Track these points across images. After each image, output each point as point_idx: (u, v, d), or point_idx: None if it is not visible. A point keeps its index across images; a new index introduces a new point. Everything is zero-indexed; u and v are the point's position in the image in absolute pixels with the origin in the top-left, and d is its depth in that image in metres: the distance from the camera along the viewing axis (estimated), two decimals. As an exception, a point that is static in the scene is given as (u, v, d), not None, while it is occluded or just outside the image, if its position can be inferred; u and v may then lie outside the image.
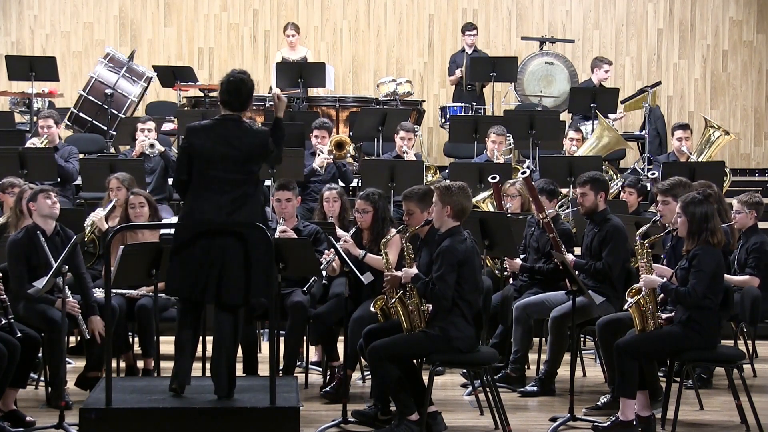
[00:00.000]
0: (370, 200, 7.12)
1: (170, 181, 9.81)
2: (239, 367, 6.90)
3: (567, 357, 6.98)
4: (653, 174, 9.57)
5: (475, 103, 12.64)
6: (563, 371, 7.08)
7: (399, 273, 6.27)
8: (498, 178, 8.15)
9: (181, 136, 10.12)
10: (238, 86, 5.74)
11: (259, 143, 5.74)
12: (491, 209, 8.85)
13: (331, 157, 9.86)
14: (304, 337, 7.39)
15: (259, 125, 10.13)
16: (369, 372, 6.67)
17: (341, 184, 9.61)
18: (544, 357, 7.27)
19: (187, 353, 5.77)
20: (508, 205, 8.26)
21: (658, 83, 13.23)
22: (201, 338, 6.13)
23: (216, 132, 5.69)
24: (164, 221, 8.16)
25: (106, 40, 14.12)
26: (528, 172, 7.84)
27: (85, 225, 7.81)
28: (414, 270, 6.11)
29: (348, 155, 10.01)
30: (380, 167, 9.64)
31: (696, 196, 6.08)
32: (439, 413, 6.17)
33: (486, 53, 13.38)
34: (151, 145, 9.81)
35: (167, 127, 11.60)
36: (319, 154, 9.84)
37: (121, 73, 11.68)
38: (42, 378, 6.95)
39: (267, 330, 8.35)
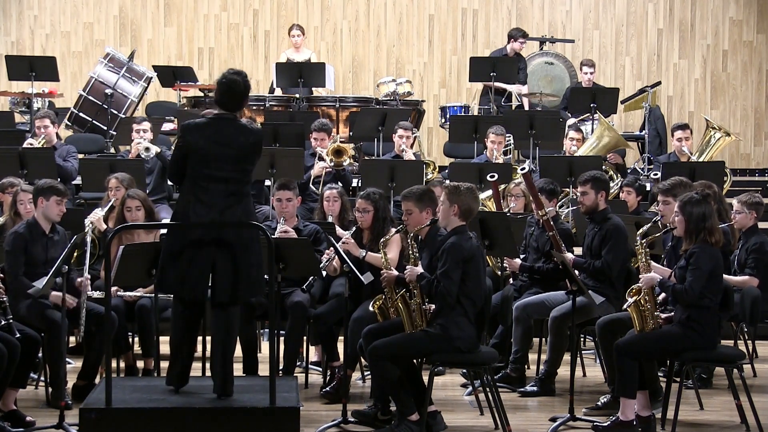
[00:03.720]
0: (371, 200, 7.12)
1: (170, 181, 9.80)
2: (239, 367, 6.92)
3: (567, 357, 6.98)
4: (655, 175, 9.56)
5: (503, 102, 12.57)
6: (563, 371, 7.08)
7: (395, 272, 6.30)
8: (496, 176, 8.14)
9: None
10: (231, 87, 5.71)
11: (253, 142, 5.71)
12: (493, 208, 8.84)
13: (331, 165, 9.84)
14: (304, 337, 7.39)
15: (258, 124, 10.23)
16: (369, 372, 6.67)
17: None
18: (544, 357, 7.27)
19: (183, 356, 5.79)
20: (512, 204, 8.27)
21: (658, 83, 13.23)
22: (201, 338, 6.14)
23: (211, 130, 5.66)
24: (163, 221, 8.15)
25: (106, 40, 14.12)
26: (527, 168, 7.84)
27: (84, 225, 7.81)
28: (419, 269, 6.10)
29: (345, 162, 9.98)
30: (380, 167, 9.64)
31: (694, 196, 6.08)
32: (438, 413, 6.17)
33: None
34: (146, 149, 9.73)
35: (167, 127, 11.59)
36: (318, 160, 9.81)
37: (121, 73, 11.68)
38: (42, 378, 6.95)
39: (267, 330, 8.34)
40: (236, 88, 5.70)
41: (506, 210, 8.27)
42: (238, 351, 7.12)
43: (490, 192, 9.26)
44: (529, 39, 13.96)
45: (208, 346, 6.10)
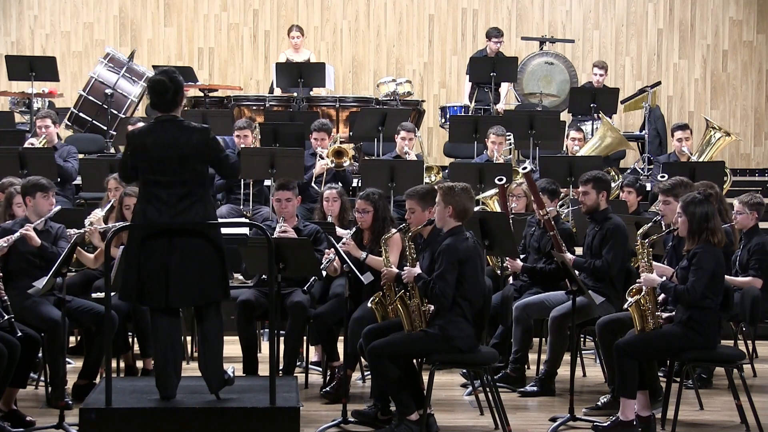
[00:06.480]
0: (371, 200, 7.12)
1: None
2: (239, 367, 6.92)
3: (567, 357, 6.98)
4: (663, 177, 9.52)
5: (492, 103, 12.57)
6: (563, 371, 7.08)
7: (395, 270, 6.30)
8: (504, 179, 8.12)
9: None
10: (154, 87, 5.67)
11: (198, 141, 5.62)
12: (496, 208, 8.83)
13: (332, 165, 9.84)
14: (304, 337, 7.39)
15: (257, 123, 10.21)
16: (369, 372, 6.67)
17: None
18: (544, 357, 7.27)
19: (167, 368, 5.62)
20: (513, 204, 8.27)
21: (658, 83, 13.24)
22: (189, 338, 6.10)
23: (153, 135, 5.62)
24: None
25: (106, 40, 14.12)
26: (529, 167, 7.83)
27: (84, 225, 7.80)
28: (417, 269, 6.10)
29: (346, 163, 9.98)
30: (380, 167, 9.64)
31: (696, 196, 6.08)
32: (431, 414, 6.14)
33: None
34: None
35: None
36: (319, 159, 9.81)
37: (121, 73, 11.69)
38: (42, 378, 6.94)
39: (267, 330, 8.34)
40: (160, 87, 5.65)
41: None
42: (238, 351, 7.15)
43: (492, 191, 9.25)
44: (529, 39, 13.99)
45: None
